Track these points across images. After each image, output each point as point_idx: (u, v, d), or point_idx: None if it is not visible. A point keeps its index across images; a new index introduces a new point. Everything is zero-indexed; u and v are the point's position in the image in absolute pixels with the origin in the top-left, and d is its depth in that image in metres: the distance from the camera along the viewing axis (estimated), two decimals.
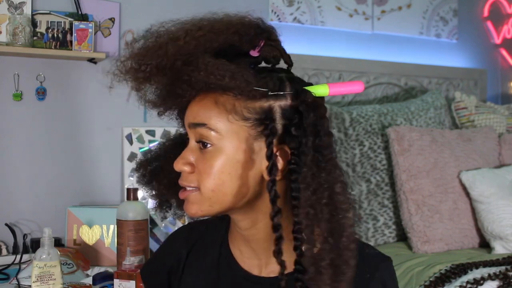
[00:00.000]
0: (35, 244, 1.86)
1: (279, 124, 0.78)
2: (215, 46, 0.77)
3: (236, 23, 0.78)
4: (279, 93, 0.78)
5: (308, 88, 0.80)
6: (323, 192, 0.74)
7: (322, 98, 0.81)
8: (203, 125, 0.77)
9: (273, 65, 0.83)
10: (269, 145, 0.76)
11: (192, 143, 0.80)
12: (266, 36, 0.81)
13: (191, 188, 0.80)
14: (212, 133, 0.77)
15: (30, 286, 1.25)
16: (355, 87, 0.82)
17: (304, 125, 0.76)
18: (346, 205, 0.75)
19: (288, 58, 0.85)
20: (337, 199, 0.75)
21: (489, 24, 3.04)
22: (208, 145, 0.78)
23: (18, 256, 1.64)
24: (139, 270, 1.30)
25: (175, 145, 0.93)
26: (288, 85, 0.79)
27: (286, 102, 0.78)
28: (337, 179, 0.76)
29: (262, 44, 0.80)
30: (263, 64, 0.84)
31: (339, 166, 0.78)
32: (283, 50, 0.84)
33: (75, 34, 1.96)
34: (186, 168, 0.79)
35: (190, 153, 0.80)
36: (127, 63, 0.80)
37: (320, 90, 0.80)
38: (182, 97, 0.80)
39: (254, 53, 0.80)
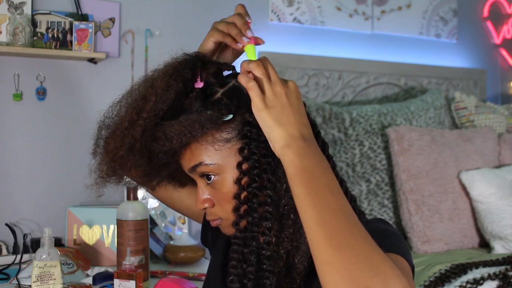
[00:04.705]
0: (35, 244, 1.86)
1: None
2: (169, 104, 0.81)
3: (172, 72, 0.82)
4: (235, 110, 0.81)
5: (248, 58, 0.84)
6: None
7: None
8: (199, 164, 0.82)
9: (219, 80, 0.85)
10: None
11: (200, 182, 0.85)
12: (200, 63, 0.84)
13: (219, 219, 0.85)
14: (210, 166, 0.81)
15: (30, 286, 1.25)
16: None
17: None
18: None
19: (225, 65, 0.88)
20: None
21: (489, 24, 3.04)
22: (212, 176, 0.82)
23: (18, 256, 1.64)
24: (139, 270, 1.30)
25: None
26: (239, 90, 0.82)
27: (247, 107, 0.80)
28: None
29: (199, 72, 0.84)
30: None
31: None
32: (218, 62, 0.87)
33: (75, 34, 1.96)
34: (207, 205, 0.84)
35: (203, 191, 0.84)
36: (102, 167, 0.87)
37: (252, 55, 0.84)
38: (169, 164, 0.87)
39: (199, 84, 0.84)
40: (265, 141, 0.78)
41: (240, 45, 0.85)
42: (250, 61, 0.79)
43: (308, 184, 0.70)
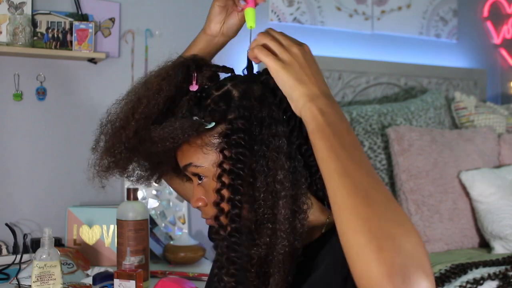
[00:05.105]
0: (35, 244, 1.87)
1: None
2: (161, 107, 0.82)
3: (165, 76, 0.82)
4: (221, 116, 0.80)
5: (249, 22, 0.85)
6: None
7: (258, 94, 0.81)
8: (189, 164, 0.83)
9: (215, 83, 0.85)
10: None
11: (194, 180, 0.86)
12: (195, 66, 0.84)
13: (211, 218, 0.85)
14: (198, 168, 0.83)
15: (30, 286, 1.25)
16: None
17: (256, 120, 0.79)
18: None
19: (223, 68, 0.88)
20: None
21: (489, 24, 3.04)
22: (202, 177, 0.84)
23: (18, 256, 1.64)
24: (139, 270, 1.30)
25: None
26: (231, 94, 0.82)
27: (235, 113, 0.79)
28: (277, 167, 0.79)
29: (195, 76, 0.84)
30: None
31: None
32: (215, 65, 0.87)
33: (75, 34, 1.96)
34: (201, 204, 0.85)
35: (197, 191, 0.85)
36: (103, 162, 0.88)
37: (250, 19, 0.85)
38: (164, 162, 0.90)
39: (193, 87, 0.83)
40: (250, 130, 0.77)
41: (240, 8, 0.87)
42: (256, 37, 0.78)
43: (332, 138, 0.67)
